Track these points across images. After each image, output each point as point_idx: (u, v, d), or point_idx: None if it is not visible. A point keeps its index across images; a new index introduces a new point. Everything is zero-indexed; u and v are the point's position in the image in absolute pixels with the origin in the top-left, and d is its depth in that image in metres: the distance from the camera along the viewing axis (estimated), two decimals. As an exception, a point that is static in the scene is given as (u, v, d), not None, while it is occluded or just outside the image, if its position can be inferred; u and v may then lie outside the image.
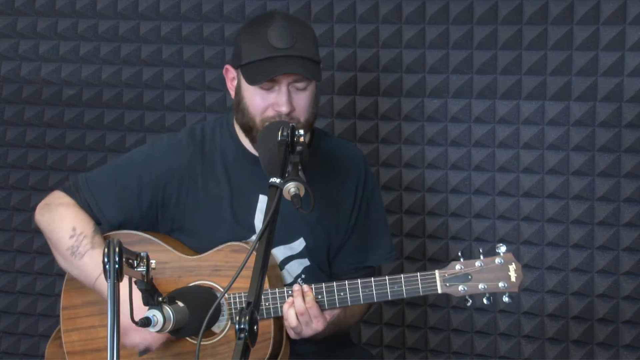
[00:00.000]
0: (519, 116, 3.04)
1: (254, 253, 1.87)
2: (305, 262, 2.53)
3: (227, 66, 2.48)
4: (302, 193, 2.02)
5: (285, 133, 2.11)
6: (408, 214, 3.21)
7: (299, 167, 2.09)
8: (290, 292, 2.33)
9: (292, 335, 2.35)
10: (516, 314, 3.14)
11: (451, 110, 3.11)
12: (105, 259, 1.80)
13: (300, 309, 2.29)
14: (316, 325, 2.31)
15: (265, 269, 1.86)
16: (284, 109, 2.35)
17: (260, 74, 2.33)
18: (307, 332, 2.32)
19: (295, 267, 2.53)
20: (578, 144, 2.99)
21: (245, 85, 2.39)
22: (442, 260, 3.19)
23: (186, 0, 3.29)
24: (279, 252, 2.50)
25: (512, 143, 3.06)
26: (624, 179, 2.98)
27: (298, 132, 2.14)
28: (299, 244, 2.52)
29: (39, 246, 3.58)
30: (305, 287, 2.32)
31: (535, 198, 3.07)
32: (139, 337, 2.34)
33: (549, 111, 3.01)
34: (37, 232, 3.51)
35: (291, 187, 2.01)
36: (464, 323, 3.21)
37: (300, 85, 2.37)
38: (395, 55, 3.12)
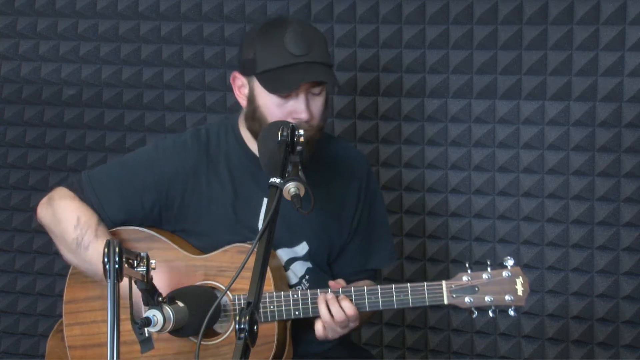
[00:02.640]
0: (519, 116, 3.04)
1: (255, 253, 1.87)
2: (308, 264, 2.53)
3: (236, 74, 2.44)
4: (302, 193, 2.02)
5: (285, 133, 2.10)
6: (408, 214, 3.21)
7: (299, 167, 2.08)
8: (295, 295, 2.33)
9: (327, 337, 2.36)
10: (516, 315, 3.13)
11: (451, 110, 3.11)
12: (105, 259, 1.80)
13: (340, 317, 2.29)
14: (354, 324, 2.32)
15: (265, 270, 1.86)
16: (304, 115, 2.34)
17: (282, 82, 2.32)
18: (344, 332, 2.34)
19: (299, 268, 2.53)
20: (578, 144, 3.00)
21: (261, 94, 2.37)
22: (442, 260, 3.19)
23: (186, 0, 3.29)
24: (283, 254, 2.50)
25: (512, 143, 3.06)
26: (624, 179, 2.98)
27: (298, 132, 2.13)
28: (302, 248, 2.51)
29: (39, 246, 3.58)
30: (330, 296, 2.30)
31: (535, 198, 3.07)
32: None
33: (549, 111, 3.01)
34: (37, 232, 3.54)
35: (291, 187, 2.01)
36: (464, 323, 3.21)
37: (316, 90, 2.36)
38: (395, 55, 3.12)
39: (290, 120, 2.33)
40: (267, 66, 2.34)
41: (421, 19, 3.08)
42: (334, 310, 2.28)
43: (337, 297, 2.30)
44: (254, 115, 2.40)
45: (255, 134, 2.41)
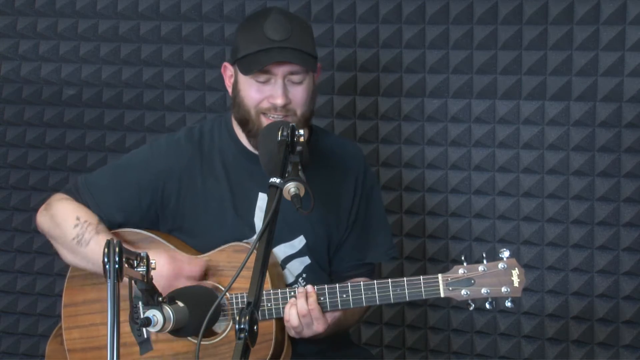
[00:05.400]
0: (519, 116, 3.04)
1: (255, 253, 1.87)
2: (306, 260, 2.54)
3: (225, 64, 2.50)
4: (302, 193, 2.02)
5: (285, 133, 2.11)
6: (408, 214, 3.21)
7: (299, 167, 2.09)
8: (293, 293, 2.33)
9: (292, 334, 2.36)
10: (516, 314, 3.14)
11: (451, 110, 3.11)
12: (105, 259, 1.80)
13: (303, 311, 2.29)
14: (317, 327, 2.31)
15: (265, 269, 1.86)
16: (279, 101, 2.36)
17: (255, 64, 2.35)
18: (307, 333, 2.33)
19: (296, 266, 2.53)
20: (578, 144, 3.00)
21: (241, 79, 2.40)
22: (442, 260, 3.19)
23: (186, 0, 3.29)
24: (280, 252, 2.51)
25: (512, 143, 3.06)
26: (624, 179, 2.98)
27: (298, 132, 2.14)
28: (299, 242, 2.52)
29: (39, 246, 3.58)
30: (309, 287, 2.32)
31: (535, 198, 3.07)
32: (185, 280, 2.36)
33: (549, 111, 3.01)
34: (37, 232, 3.51)
35: (291, 187, 2.01)
36: (464, 323, 3.21)
37: (295, 78, 2.38)
38: (395, 55, 3.13)
39: (266, 103, 2.37)
40: (246, 51, 2.38)
41: (421, 19, 3.08)
42: (300, 303, 2.29)
43: (305, 292, 2.30)
44: (235, 100, 2.44)
45: (238, 120, 2.46)
